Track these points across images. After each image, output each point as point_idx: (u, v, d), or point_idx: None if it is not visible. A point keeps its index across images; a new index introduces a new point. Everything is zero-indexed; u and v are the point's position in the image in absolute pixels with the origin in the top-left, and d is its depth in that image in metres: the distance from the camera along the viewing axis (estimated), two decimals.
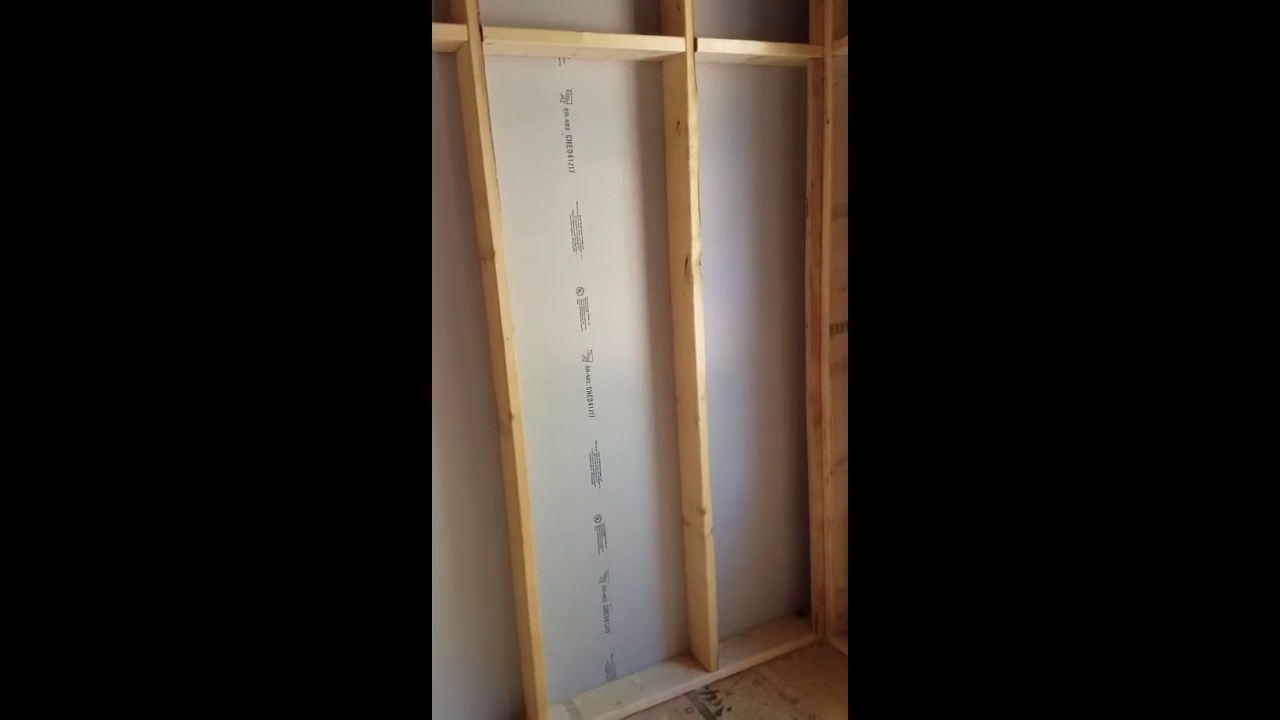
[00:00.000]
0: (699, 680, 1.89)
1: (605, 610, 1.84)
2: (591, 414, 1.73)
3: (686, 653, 1.98)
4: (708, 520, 1.81)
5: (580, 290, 1.67)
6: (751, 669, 1.95)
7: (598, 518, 1.79)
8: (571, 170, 1.61)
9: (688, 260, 1.68)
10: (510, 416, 1.53)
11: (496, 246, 1.45)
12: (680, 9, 1.54)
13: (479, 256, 1.53)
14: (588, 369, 1.71)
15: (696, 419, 1.75)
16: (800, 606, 2.15)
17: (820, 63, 1.74)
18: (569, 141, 1.59)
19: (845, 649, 1.99)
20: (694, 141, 1.62)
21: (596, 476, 1.76)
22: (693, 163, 1.62)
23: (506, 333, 1.49)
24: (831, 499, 1.97)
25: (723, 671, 1.91)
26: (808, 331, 1.91)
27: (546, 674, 1.70)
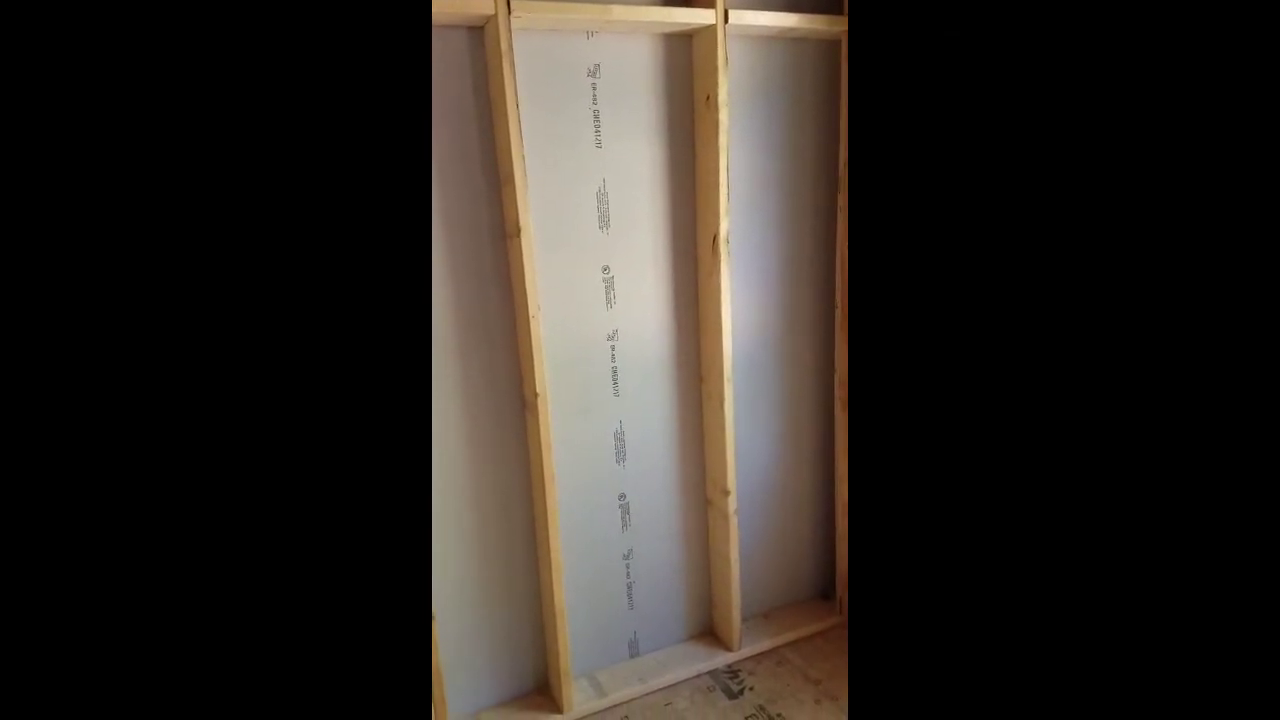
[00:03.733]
0: (721, 659, 1.89)
1: (629, 588, 1.85)
2: (616, 393, 1.72)
3: (709, 632, 1.98)
4: (732, 501, 1.80)
5: (606, 269, 1.65)
6: (774, 650, 1.95)
7: (622, 496, 1.79)
8: (599, 146, 1.59)
9: (715, 238, 1.65)
10: (535, 394, 1.53)
11: (522, 223, 1.44)
12: None
13: (505, 234, 1.52)
14: (613, 348, 1.70)
15: (722, 399, 1.74)
16: (825, 589, 2.14)
17: None
18: (596, 117, 1.57)
19: None
20: (724, 116, 1.58)
21: (621, 455, 1.77)
22: (722, 138, 1.59)
23: (532, 310, 1.49)
24: None
25: (745, 651, 1.91)
26: (838, 312, 1.88)
27: (570, 648, 1.72)
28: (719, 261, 1.66)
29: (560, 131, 1.54)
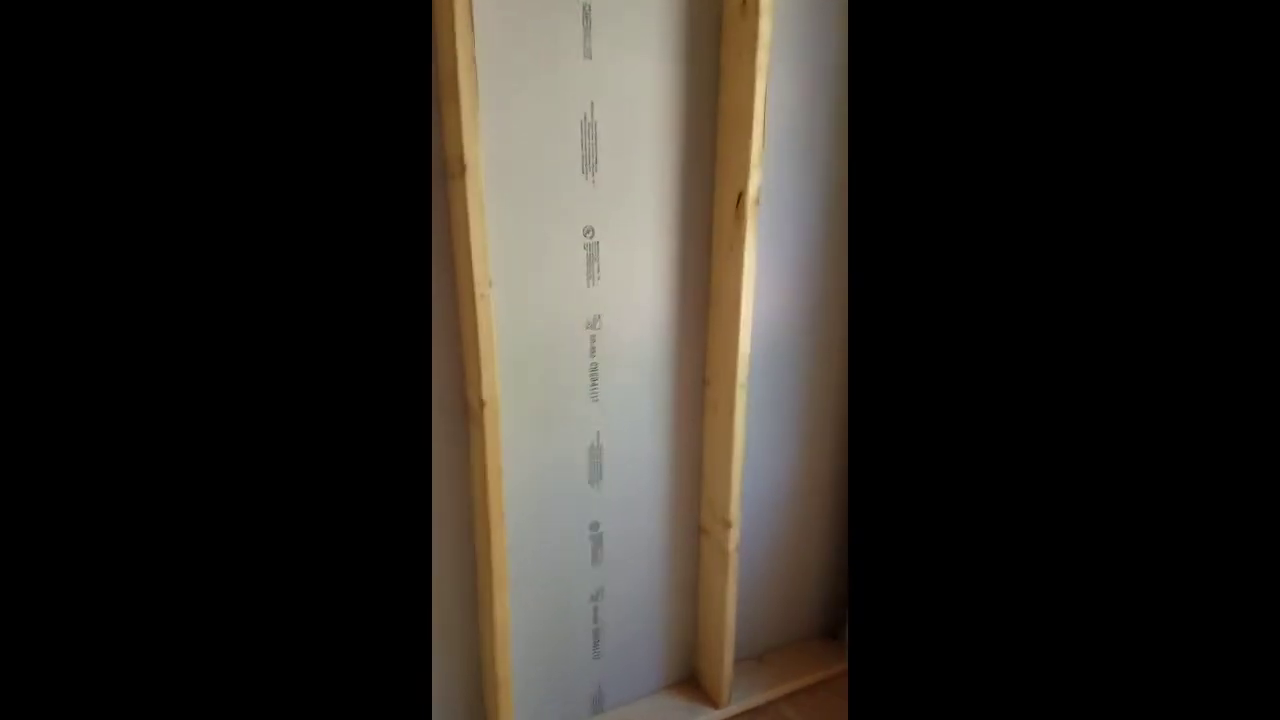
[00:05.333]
0: (704, 718, 1.55)
1: (595, 633, 1.48)
2: (594, 397, 1.31)
3: (691, 680, 1.64)
4: (733, 535, 1.42)
5: (589, 231, 1.21)
6: (769, 704, 1.61)
7: (594, 525, 1.40)
8: (587, 56, 1.13)
9: (741, 197, 1.22)
10: (482, 401, 1.12)
11: (469, 159, 1.00)
12: None
13: (445, 173, 1.07)
14: (593, 338, 1.28)
15: (731, 409, 1.34)
16: (833, 627, 1.80)
17: None
18: (586, 14, 1.11)
19: None
20: (765, 27, 1.13)
21: (596, 475, 1.37)
22: (761, 56, 1.14)
23: (480, 286, 1.06)
24: None
25: (734, 708, 1.58)
26: None
27: (516, 710, 1.36)
28: (744, 230, 1.23)
29: (532, 30, 1.08)
